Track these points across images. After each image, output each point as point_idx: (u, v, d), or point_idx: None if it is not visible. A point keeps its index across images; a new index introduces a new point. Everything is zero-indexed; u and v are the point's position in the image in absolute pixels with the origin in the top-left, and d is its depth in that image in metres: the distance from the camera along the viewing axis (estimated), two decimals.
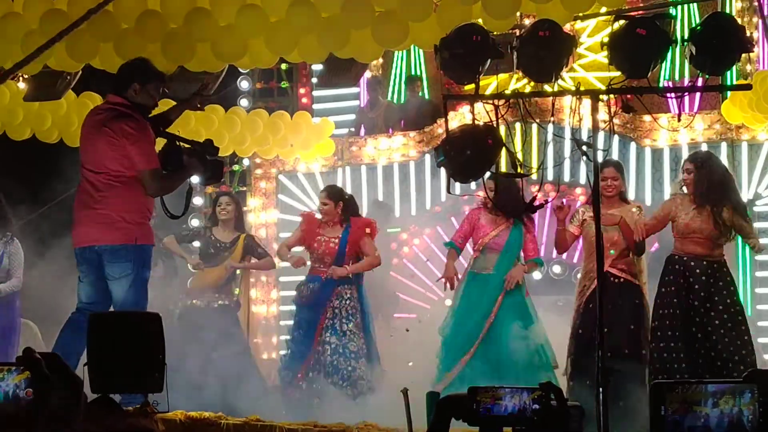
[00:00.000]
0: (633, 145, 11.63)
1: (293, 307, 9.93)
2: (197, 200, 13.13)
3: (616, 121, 10.57)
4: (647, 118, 11.25)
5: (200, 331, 9.64)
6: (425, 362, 9.34)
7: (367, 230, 9.58)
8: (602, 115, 7.81)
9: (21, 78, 11.03)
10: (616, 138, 10.98)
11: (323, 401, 8.98)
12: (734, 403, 3.33)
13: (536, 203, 6.88)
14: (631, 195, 9.28)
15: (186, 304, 10.09)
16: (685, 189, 8.65)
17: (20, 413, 2.58)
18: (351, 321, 9.34)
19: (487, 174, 7.43)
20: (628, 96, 6.87)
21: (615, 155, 11.19)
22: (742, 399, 3.34)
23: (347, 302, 9.39)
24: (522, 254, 9.18)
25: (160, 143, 7.63)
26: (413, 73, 13.89)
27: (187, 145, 7.50)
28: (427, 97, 13.76)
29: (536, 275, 11.68)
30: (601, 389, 5.95)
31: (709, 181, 8.45)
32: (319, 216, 9.81)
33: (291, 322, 10.12)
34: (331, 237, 9.53)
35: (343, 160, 12.64)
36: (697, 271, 8.40)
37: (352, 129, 13.50)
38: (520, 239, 9.11)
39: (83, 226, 7.29)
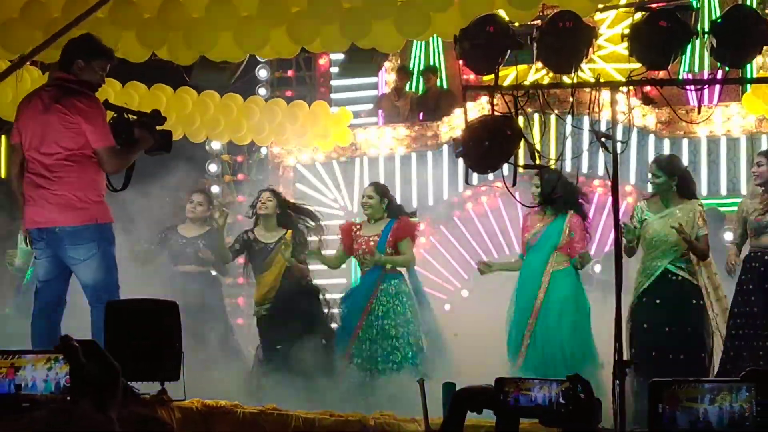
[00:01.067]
0: (652, 137, 11.60)
1: (312, 267, 9.77)
2: (214, 188, 13.14)
3: (635, 112, 10.59)
4: (667, 110, 11.22)
5: (281, 333, 9.34)
6: (445, 351, 9.31)
7: (415, 233, 9.49)
8: (622, 106, 7.77)
9: (41, 64, 11.07)
10: (635, 130, 10.95)
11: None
12: (731, 400, 3.33)
13: (555, 195, 6.87)
14: (649, 187, 9.16)
15: (259, 313, 9.68)
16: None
17: (67, 403, 2.58)
18: (394, 313, 9.21)
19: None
20: (648, 87, 6.85)
21: (634, 147, 11.19)
22: (738, 396, 3.33)
23: (392, 298, 9.25)
24: (569, 251, 8.90)
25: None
26: (432, 63, 13.88)
27: (134, 117, 7.29)
28: (445, 87, 13.76)
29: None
30: (617, 382, 5.96)
31: None
32: (357, 219, 9.70)
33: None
34: (371, 235, 9.31)
35: (360, 150, 12.64)
36: None
37: (372, 118, 13.50)
38: (557, 232, 8.87)
39: (37, 206, 7.01)
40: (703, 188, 11.64)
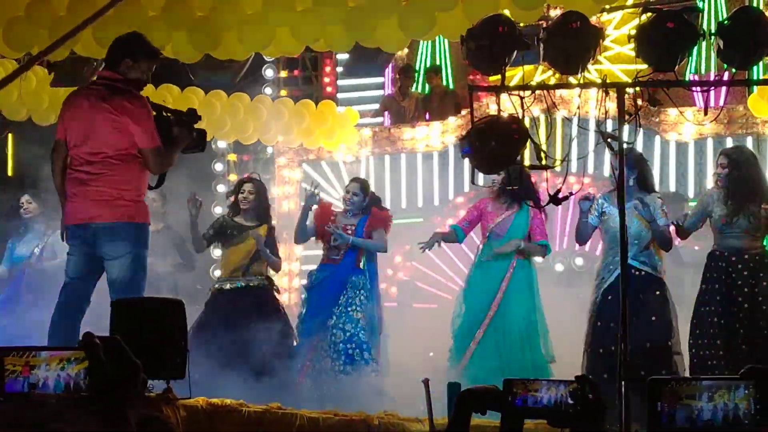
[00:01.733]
0: (658, 139, 11.60)
1: (316, 266, 9.81)
2: (220, 188, 13.15)
3: (641, 114, 10.59)
4: (673, 111, 11.21)
5: (235, 314, 9.33)
6: (443, 352, 9.33)
7: (388, 223, 9.53)
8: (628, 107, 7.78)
9: (47, 63, 11.09)
10: (641, 131, 10.94)
11: (333, 388, 8.96)
12: (729, 398, 3.34)
13: (560, 195, 6.85)
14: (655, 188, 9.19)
15: (216, 288, 9.66)
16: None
17: (80, 403, 2.58)
18: (361, 311, 9.26)
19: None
20: (654, 89, 6.85)
21: (640, 148, 11.15)
22: (736, 394, 3.34)
23: (360, 292, 9.32)
24: (529, 237, 9.13)
25: None
26: (437, 63, 13.88)
27: (172, 115, 7.31)
28: (450, 87, 13.76)
29: (558, 267, 11.68)
30: (623, 383, 5.96)
31: (744, 177, 8.43)
32: (335, 207, 9.75)
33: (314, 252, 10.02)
34: (347, 225, 9.41)
35: (366, 150, 12.65)
36: (739, 266, 8.43)
37: (378, 118, 13.50)
38: (524, 224, 9.09)
39: (78, 202, 7.07)
40: (709, 188, 11.63)
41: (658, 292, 8.55)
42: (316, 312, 9.38)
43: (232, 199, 9.91)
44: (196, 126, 7.38)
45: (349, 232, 9.37)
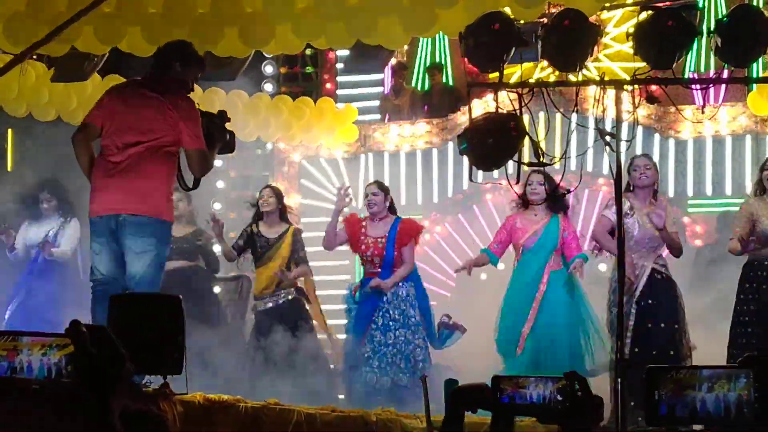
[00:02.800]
0: (657, 137, 11.60)
1: (316, 263, 9.83)
2: (219, 184, 13.15)
3: (640, 111, 10.59)
4: (671, 109, 11.22)
5: (275, 333, 9.43)
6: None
7: (418, 236, 9.47)
8: (626, 105, 7.78)
9: (47, 59, 11.09)
10: (639, 129, 10.94)
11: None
12: (729, 388, 3.31)
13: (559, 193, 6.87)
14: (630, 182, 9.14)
15: (257, 310, 9.86)
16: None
17: (62, 390, 2.58)
18: (402, 317, 9.22)
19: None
20: (653, 86, 6.86)
21: (639, 146, 11.16)
22: (737, 384, 3.31)
23: (401, 300, 9.28)
24: (564, 253, 8.93)
25: None
26: (438, 60, 13.89)
27: (205, 118, 7.36)
28: (450, 84, 13.76)
29: None
30: (619, 380, 5.97)
31: None
32: (361, 214, 9.74)
33: (335, 321, 10.06)
34: (378, 237, 9.29)
35: (366, 147, 12.65)
36: None
37: (376, 115, 13.50)
38: (555, 234, 8.89)
39: (108, 193, 7.02)
40: (707, 188, 11.64)
41: (677, 298, 8.45)
42: (358, 325, 9.35)
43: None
44: (226, 127, 7.45)
45: (380, 246, 9.28)
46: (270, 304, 9.71)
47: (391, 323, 9.13)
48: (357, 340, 9.21)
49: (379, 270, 9.26)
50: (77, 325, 2.50)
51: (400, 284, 9.24)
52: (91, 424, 2.42)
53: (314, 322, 9.97)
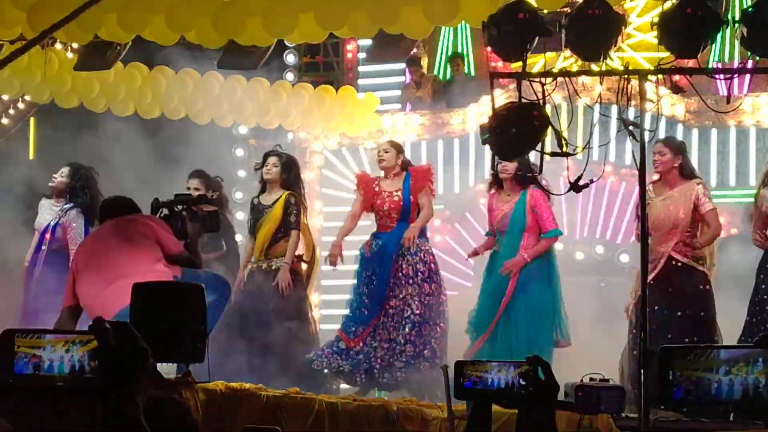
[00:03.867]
0: (680, 126, 11.55)
1: (333, 266, 9.72)
2: (241, 173, 13.16)
3: (663, 101, 10.54)
4: (695, 99, 11.16)
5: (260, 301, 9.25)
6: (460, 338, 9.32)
7: (431, 178, 9.45)
8: (650, 95, 7.75)
9: (70, 47, 11.13)
10: (663, 119, 10.90)
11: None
12: (747, 371, 3.25)
13: (581, 183, 6.83)
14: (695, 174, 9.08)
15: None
16: None
17: (85, 386, 2.59)
18: (419, 281, 9.19)
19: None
20: (677, 76, 6.82)
21: (662, 136, 11.13)
22: (755, 367, 3.26)
23: (418, 257, 9.25)
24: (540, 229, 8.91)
25: None
26: (459, 50, 13.86)
27: (183, 209, 7.30)
28: (472, 74, 13.74)
29: (579, 255, 11.65)
30: (642, 370, 5.95)
31: None
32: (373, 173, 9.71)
33: (336, 282, 9.93)
34: (393, 191, 9.30)
35: (387, 136, 12.63)
36: None
37: (397, 104, 13.50)
38: (521, 212, 8.86)
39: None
40: (731, 179, 11.59)
41: (701, 287, 8.33)
42: (371, 286, 9.29)
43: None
44: (208, 209, 7.40)
45: (396, 198, 9.28)
46: (262, 266, 9.42)
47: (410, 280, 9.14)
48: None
49: (395, 225, 9.27)
50: (100, 321, 2.51)
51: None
52: (114, 419, 2.42)
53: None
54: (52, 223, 9.68)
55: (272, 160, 9.54)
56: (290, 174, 9.54)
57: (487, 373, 3.52)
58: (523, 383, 3.44)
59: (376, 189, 9.40)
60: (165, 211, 7.25)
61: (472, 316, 9.03)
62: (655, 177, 8.45)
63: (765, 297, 8.23)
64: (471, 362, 3.61)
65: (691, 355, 3.24)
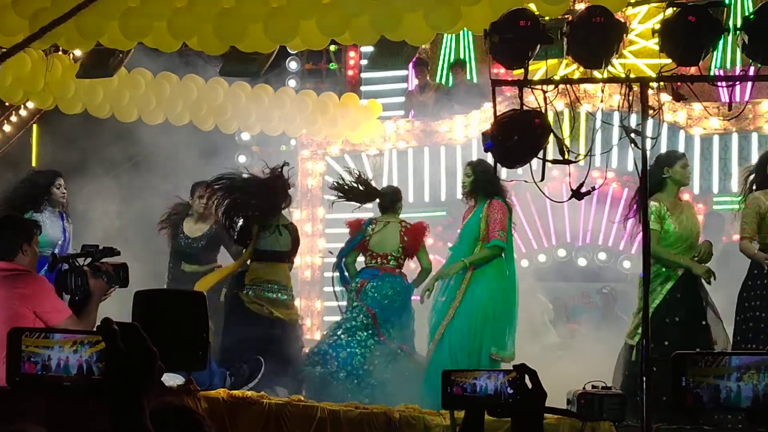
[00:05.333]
0: (682, 134, 11.55)
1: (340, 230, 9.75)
2: (241, 158, 13.19)
3: (665, 108, 10.54)
4: (697, 106, 11.17)
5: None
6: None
7: (426, 235, 9.50)
8: (652, 102, 7.75)
9: (72, 54, 11.15)
10: (665, 126, 10.90)
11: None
12: (758, 379, 3.26)
13: (583, 190, 6.83)
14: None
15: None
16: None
17: (93, 387, 2.59)
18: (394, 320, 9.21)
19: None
20: (678, 84, 6.82)
21: (664, 143, 11.13)
22: (767, 374, 3.27)
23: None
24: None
25: None
26: (462, 56, 13.87)
27: (85, 262, 7.11)
28: (474, 80, 13.74)
29: (581, 262, 11.66)
30: (645, 378, 5.95)
31: None
32: (367, 215, 9.74)
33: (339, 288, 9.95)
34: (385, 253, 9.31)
35: (390, 143, 12.65)
36: None
37: (400, 111, 13.50)
38: (474, 223, 8.84)
39: None
40: (733, 186, 11.58)
41: (710, 299, 8.30)
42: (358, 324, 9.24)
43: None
44: (115, 262, 7.22)
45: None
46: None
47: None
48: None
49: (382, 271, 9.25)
50: (108, 322, 2.50)
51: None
52: (120, 422, 2.42)
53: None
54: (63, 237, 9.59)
55: (200, 190, 9.62)
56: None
57: (476, 380, 3.52)
58: (511, 391, 3.45)
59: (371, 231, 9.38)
60: (65, 266, 7.05)
61: (430, 325, 8.97)
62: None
63: (754, 302, 8.22)
64: (459, 370, 3.62)
65: (702, 362, 3.24)
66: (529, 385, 3.38)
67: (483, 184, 8.80)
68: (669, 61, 6.55)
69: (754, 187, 8.36)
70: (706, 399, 3.23)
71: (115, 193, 12.36)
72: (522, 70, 6.73)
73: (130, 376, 2.44)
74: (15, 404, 5.05)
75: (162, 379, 5.47)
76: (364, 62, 13.83)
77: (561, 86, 6.79)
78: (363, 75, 13.97)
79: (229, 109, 11.49)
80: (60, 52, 10.99)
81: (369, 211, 10.06)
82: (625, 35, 6.73)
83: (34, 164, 13.39)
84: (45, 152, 13.24)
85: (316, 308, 12.79)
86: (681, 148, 11.38)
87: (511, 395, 3.41)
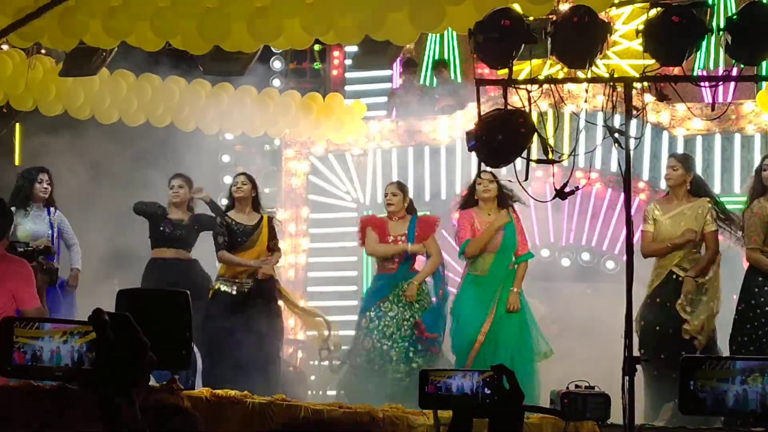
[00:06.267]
0: (665, 134, 11.58)
1: (324, 258, 9.74)
2: (227, 179, 13.15)
3: (649, 109, 10.57)
4: (681, 106, 11.19)
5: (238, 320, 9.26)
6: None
7: (435, 227, 9.54)
8: (635, 102, 7.77)
9: (54, 54, 11.10)
10: (648, 126, 10.92)
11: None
12: (762, 381, 3.28)
13: (566, 190, 6.84)
14: (662, 184, 9.11)
15: (218, 290, 9.46)
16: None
17: (82, 377, 2.58)
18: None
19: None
20: (662, 84, 6.84)
21: (647, 144, 11.16)
22: None
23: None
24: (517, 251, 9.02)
25: None
26: (446, 56, 13.87)
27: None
28: (459, 80, 13.75)
29: (565, 262, 11.67)
30: (627, 378, 5.96)
31: None
32: (379, 214, 9.76)
33: (322, 288, 9.98)
34: (398, 235, 9.39)
35: (374, 143, 12.64)
36: None
37: (383, 111, 13.49)
38: (513, 237, 8.96)
39: None
40: (716, 186, 11.60)
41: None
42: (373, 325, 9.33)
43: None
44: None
45: (400, 241, 9.36)
46: (234, 289, 9.40)
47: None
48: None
49: (397, 267, 9.35)
50: (99, 313, 2.49)
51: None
52: (110, 412, 2.41)
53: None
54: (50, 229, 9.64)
55: (241, 178, 9.63)
56: (257, 195, 9.64)
57: (451, 379, 3.51)
58: (488, 392, 3.43)
59: (385, 230, 9.45)
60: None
61: (456, 342, 8.96)
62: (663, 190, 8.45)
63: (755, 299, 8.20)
64: (435, 369, 3.61)
65: (706, 365, 3.26)
66: (507, 386, 3.37)
67: (503, 193, 8.92)
68: (653, 61, 6.57)
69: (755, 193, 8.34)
70: (711, 402, 3.24)
71: (97, 192, 12.31)
72: (506, 70, 6.74)
73: (120, 367, 2.43)
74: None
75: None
76: (348, 62, 13.82)
77: (545, 86, 6.80)
78: (347, 74, 13.95)
79: (210, 110, 11.46)
80: (41, 54, 10.95)
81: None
82: (609, 35, 6.74)
83: (17, 163, 13.34)
84: (29, 150, 13.16)
85: None
86: (664, 149, 11.42)
87: (488, 395, 3.40)
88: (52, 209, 9.79)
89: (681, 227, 8.32)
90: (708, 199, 8.53)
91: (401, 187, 9.64)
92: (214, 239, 9.45)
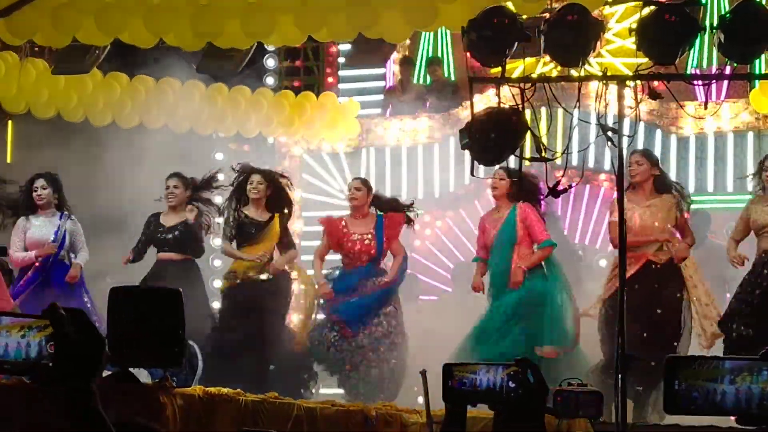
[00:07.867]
0: (659, 133, 11.59)
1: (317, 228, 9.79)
2: (220, 176, 13.13)
3: (642, 107, 10.58)
4: (674, 105, 11.20)
5: (249, 311, 9.32)
6: (445, 344, 9.30)
7: (400, 229, 9.46)
8: (629, 101, 7.78)
9: (47, 53, 11.09)
10: (641, 125, 10.93)
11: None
12: (751, 381, 3.27)
13: (560, 188, 6.85)
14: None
15: (233, 283, 9.51)
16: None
17: (40, 372, 2.58)
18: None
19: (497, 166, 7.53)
20: (655, 82, 6.85)
21: (641, 142, 11.16)
22: (759, 377, 3.28)
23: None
24: (533, 240, 8.84)
25: None
26: (439, 55, 13.85)
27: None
28: (452, 78, 13.73)
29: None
30: (620, 376, 5.97)
31: None
32: (341, 213, 9.75)
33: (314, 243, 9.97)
34: (364, 233, 9.32)
35: (367, 141, 12.64)
36: None
37: (377, 109, 13.48)
38: (511, 226, 8.78)
39: None
40: (709, 185, 11.62)
41: (678, 294, 8.43)
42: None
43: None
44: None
45: (368, 242, 9.31)
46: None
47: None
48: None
49: (365, 265, 9.32)
50: (55, 307, 2.49)
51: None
52: (74, 406, 2.41)
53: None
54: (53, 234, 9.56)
55: (257, 177, 9.56)
56: (273, 194, 9.60)
57: (475, 374, 3.50)
58: (512, 385, 3.42)
59: (344, 231, 9.38)
60: None
61: (477, 328, 8.88)
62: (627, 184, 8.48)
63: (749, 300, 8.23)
64: (459, 364, 3.59)
65: (695, 365, 3.26)
66: (531, 380, 3.37)
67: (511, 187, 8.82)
68: (646, 60, 6.58)
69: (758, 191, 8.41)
70: (699, 401, 3.24)
71: (92, 192, 12.26)
72: (499, 68, 6.75)
73: (81, 362, 2.43)
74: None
75: (136, 375, 5.42)
76: (342, 60, 13.80)
77: (538, 84, 6.81)
78: (341, 72, 13.94)
79: (205, 111, 11.44)
80: (34, 57, 10.93)
81: (344, 209, 10.04)
82: (602, 34, 6.75)
83: (9, 161, 13.31)
84: (21, 148, 13.13)
85: None
86: (657, 147, 11.43)
87: (513, 389, 3.39)
88: (65, 214, 9.66)
89: (656, 217, 8.38)
90: (674, 194, 8.64)
91: (364, 182, 9.59)
92: (222, 232, 9.63)
